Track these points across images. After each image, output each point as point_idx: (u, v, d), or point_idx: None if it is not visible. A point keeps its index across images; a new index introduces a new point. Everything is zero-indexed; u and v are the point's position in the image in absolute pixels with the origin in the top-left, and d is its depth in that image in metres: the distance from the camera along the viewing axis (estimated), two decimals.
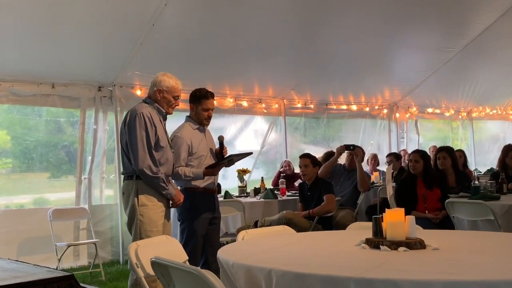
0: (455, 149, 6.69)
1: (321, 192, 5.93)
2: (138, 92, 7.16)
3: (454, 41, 8.52)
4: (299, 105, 9.34)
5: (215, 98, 4.67)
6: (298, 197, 6.43)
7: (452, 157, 6.13)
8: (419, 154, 5.64)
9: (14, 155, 6.94)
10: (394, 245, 2.54)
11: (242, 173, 7.30)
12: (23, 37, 5.85)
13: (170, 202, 4.09)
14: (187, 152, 4.37)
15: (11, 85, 6.35)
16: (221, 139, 4.63)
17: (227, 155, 4.54)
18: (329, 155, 7.40)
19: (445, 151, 6.15)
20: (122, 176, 4.07)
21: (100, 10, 5.78)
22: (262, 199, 6.62)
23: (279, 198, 6.72)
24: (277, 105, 9.09)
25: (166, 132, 4.07)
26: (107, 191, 7.26)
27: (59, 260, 6.08)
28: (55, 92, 6.67)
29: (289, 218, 5.63)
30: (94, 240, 6.42)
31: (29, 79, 6.46)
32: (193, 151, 4.40)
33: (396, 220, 2.61)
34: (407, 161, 6.46)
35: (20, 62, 6.25)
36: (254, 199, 6.71)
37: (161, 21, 6.01)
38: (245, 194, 7.11)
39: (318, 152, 8.46)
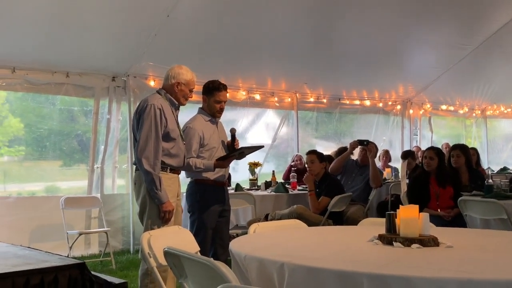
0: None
1: (323, 190, 5.92)
2: (152, 83, 7.16)
3: (470, 38, 8.43)
4: (311, 99, 9.29)
5: (228, 91, 4.64)
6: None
7: (466, 155, 6.07)
8: (435, 151, 5.59)
9: (27, 143, 6.99)
10: (407, 241, 2.52)
11: (253, 166, 7.30)
12: (38, 26, 5.87)
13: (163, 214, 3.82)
14: (198, 143, 4.35)
15: (26, 73, 6.38)
16: (233, 131, 4.59)
17: (238, 148, 4.53)
18: (342, 150, 7.36)
19: (459, 149, 6.08)
20: (134, 166, 4.05)
21: (115, 0, 5.78)
22: (273, 193, 6.61)
23: (290, 192, 6.71)
24: (289, 99, 9.06)
25: (178, 123, 4.04)
26: (119, 180, 7.29)
27: (70, 248, 6.12)
28: (69, 81, 6.69)
29: (299, 212, 5.62)
30: (105, 229, 6.46)
31: (43, 67, 6.48)
32: (205, 142, 4.38)
33: (410, 217, 2.58)
34: (420, 158, 6.41)
35: (35, 50, 6.28)
36: (265, 193, 6.70)
37: (176, 13, 6.00)
38: (256, 187, 7.11)
39: (329, 147, 8.43)
